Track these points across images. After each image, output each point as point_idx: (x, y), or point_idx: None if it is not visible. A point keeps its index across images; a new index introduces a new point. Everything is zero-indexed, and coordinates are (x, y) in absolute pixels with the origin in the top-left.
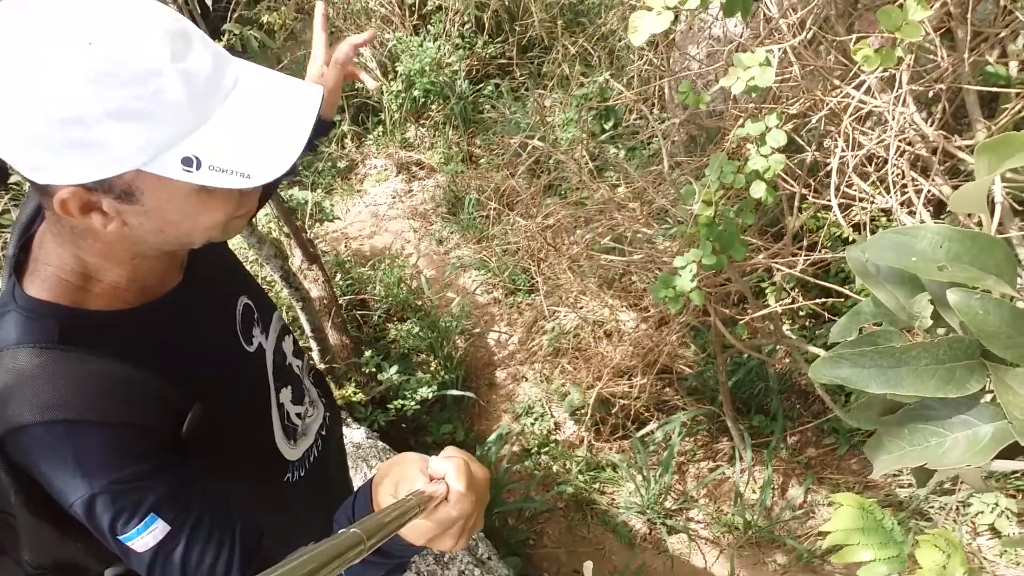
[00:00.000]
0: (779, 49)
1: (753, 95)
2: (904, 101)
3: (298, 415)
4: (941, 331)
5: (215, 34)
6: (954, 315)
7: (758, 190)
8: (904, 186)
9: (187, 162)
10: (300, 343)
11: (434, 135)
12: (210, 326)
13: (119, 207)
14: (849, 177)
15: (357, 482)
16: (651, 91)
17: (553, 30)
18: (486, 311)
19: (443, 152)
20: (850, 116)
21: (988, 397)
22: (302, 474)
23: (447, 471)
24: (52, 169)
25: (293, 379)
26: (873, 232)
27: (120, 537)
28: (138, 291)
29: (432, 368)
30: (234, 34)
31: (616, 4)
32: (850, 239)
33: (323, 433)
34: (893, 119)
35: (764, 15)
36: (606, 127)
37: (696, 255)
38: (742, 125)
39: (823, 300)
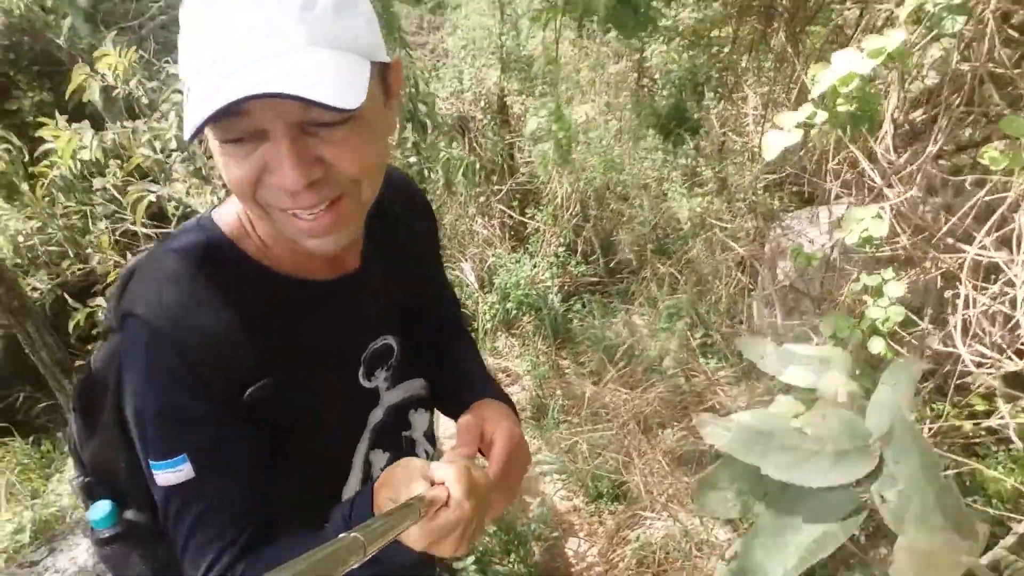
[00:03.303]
0: (890, 209)
1: (868, 247)
2: None
3: None
4: None
5: None
6: None
7: (877, 345)
8: None
9: None
10: None
11: (523, 344)
12: (332, 335)
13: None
14: (975, 335)
15: None
16: (739, 309)
17: (643, 254)
18: (564, 519)
19: (531, 360)
20: (967, 273)
21: None
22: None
23: (448, 476)
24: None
25: (400, 451)
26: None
27: (151, 461)
28: (289, 256)
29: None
30: None
31: (703, 231)
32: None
33: None
34: (1017, 280)
35: (867, 186)
36: (695, 337)
37: None
38: (856, 279)
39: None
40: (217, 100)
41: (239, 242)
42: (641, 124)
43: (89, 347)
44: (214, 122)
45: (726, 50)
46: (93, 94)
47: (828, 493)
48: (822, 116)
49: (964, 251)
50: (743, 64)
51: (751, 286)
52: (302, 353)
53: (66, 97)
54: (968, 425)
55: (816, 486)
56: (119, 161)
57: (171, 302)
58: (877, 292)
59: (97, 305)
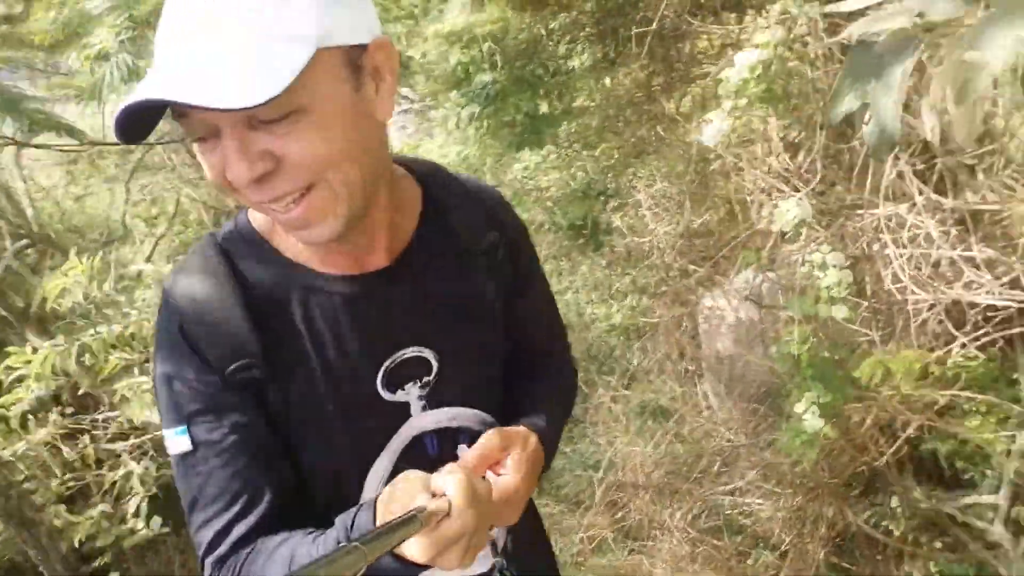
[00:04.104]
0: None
1: (802, 230)
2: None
3: None
4: None
5: None
6: None
7: (840, 311)
8: None
9: None
10: None
11: None
12: (341, 330)
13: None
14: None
15: None
16: (694, 394)
17: (589, 377)
18: None
19: None
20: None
21: None
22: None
23: (449, 487)
24: (367, 26)
25: None
26: None
27: (164, 430)
28: (305, 246)
29: None
30: None
31: (636, 340)
32: None
33: None
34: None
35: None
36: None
37: (812, 396)
38: (803, 265)
39: None
40: (126, 101)
41: (264, 231)
42: (564, 234)
43: (95, 564)
44: (120, 128)
45: (615, 158)
46: (76, 296)
47: None
48: (741, 101)
49: (874, 212)
50: (632, 170)
51: (699, 372)
52: (302, 341)
53: (47, 306)
54: None
55: None
56: (60, 408)
57: (186, 278)
58: (822, 266)
59: (99, 514)
